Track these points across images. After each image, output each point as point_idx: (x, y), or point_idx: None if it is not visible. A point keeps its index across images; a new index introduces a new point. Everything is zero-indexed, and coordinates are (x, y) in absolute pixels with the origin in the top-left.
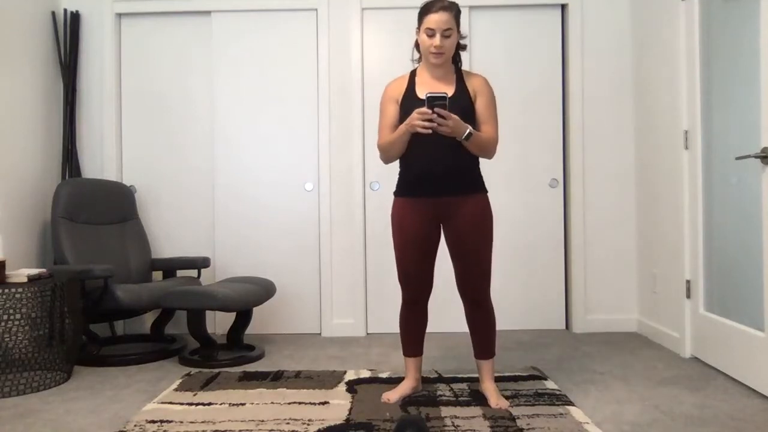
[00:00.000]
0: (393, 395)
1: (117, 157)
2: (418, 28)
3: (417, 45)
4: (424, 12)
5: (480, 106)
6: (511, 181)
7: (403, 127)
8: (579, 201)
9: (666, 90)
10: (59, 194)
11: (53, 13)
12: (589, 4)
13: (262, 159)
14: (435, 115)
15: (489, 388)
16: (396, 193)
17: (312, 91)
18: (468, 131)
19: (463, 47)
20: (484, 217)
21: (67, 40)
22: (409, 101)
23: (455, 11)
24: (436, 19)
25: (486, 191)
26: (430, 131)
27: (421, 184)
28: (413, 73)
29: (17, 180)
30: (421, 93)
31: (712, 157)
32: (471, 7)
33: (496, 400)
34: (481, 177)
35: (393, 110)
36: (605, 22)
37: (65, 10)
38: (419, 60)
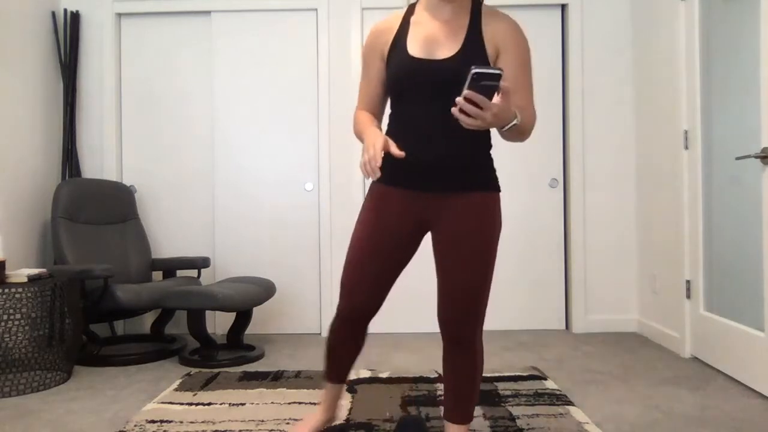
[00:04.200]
0: (301, 430)
1: (117, 157)
2: None
3: None
4: None
5: (507, 67)
6: (511, 181)
7: (364, 137)
8: (579, 201)
9: (666, 90)
10: (59, 194)
11: (53, 13)
12: (589, 4)
13: (262, 159)
14: (467, 103)
15: None
16: None
17: (312, 91)
18: (515, 120)
19: None
20: (492, 224)
21: (67, 40)
22: (397, 57)
23: None
24: None
25: (499, 190)
26: (372, 179)
27: (409, 173)
28: (409, 11)
29: (17, 180)
30: (414, 45)
31: (712, 157)
32: None
33: None
34: (493, 168)
35: (376, 68)
36: (605, 22)
37: (65, 10)
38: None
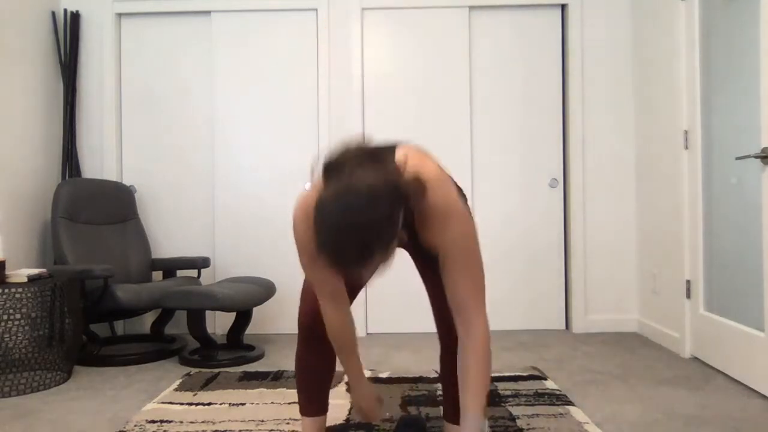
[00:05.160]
0: None
1: (117, 157)
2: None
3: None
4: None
5: (449, 264)
6: (511, 181)
7: (352, 392)
8: (579, 201)
9: (666, 90)
10: (59, 194)
11: (53, 13)
12: (589, 4)
13: (262, 159)
14: None
15: None
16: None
17: (312, 90)
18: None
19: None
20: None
21: (67, 40)
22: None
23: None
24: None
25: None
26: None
27: None
28: None
29: (17, 180)
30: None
31: (712, 157)
32: (471, 7)
33: None
34: None
35: (334, 279)
36: (605, 22)
37: (65, 10)
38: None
